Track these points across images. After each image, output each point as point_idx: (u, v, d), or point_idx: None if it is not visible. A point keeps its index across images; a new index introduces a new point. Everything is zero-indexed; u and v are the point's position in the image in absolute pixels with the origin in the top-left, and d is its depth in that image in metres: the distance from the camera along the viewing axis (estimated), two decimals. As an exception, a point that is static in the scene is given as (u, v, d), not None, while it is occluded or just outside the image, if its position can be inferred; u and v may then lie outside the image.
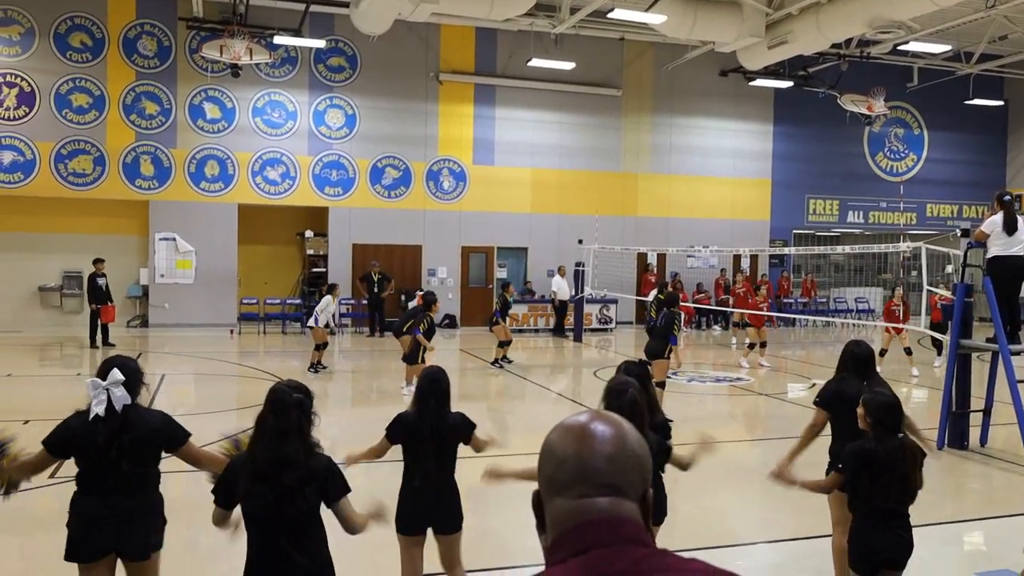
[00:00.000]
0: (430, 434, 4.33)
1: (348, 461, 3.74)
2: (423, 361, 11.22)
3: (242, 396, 12.38)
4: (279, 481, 3.34)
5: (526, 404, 12.83)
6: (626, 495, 1.34)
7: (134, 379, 3.86)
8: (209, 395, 12.65)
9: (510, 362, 15.37)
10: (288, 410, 3.40)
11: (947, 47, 21.58)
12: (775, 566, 6.00)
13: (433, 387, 4.42)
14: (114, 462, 3.72)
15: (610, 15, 18.10)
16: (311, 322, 14.17)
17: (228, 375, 14.38)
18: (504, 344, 15.40)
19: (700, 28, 18.53)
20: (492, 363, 15.31)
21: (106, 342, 17.01)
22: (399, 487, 4.44)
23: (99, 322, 17.02)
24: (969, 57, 23.14)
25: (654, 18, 17.86)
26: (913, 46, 20.99)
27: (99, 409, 3.73)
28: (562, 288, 21.08)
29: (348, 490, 3.54)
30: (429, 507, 4.35)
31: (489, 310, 19.21)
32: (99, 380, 3.77)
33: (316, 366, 13.95)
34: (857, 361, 5.03)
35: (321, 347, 14.03)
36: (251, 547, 3.44)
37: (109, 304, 17.34)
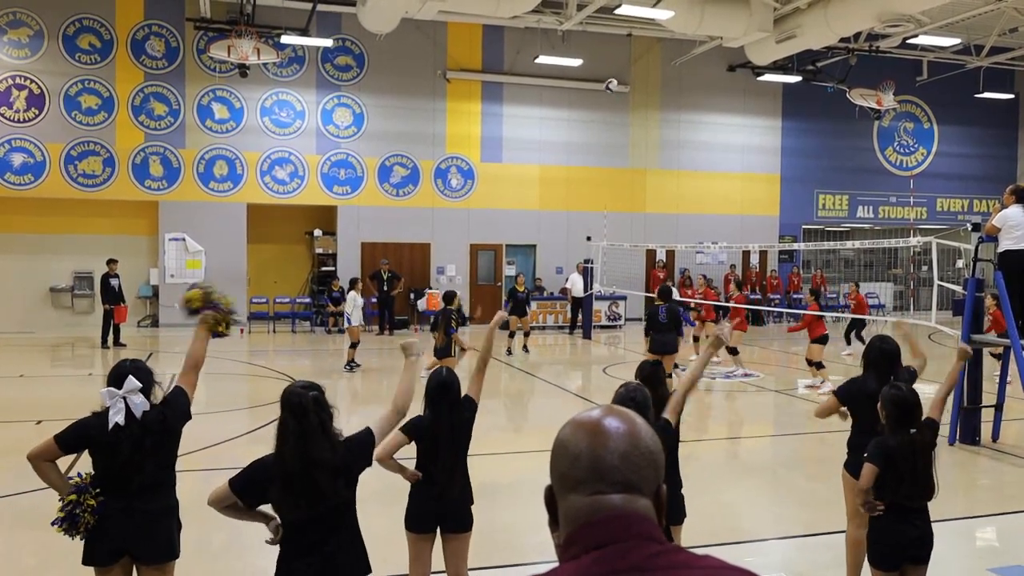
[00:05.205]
0: (447, 434, 4.34)
1: None
2: (454, 355, 11.41)
3: (253, 395, 12.43)
4: (311, 481, 3.32)
5: (535, 400, 12.84)
6: (640, 491, 1.33)
7: (148, 381, 3.84)
8: (220, 394, 12.68)
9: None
10: (307, 412, 3.36)
11: (956, 40, 21.44)
12: (787, 561, 5.98)
13: (444, 394, 4.41)
14: (138, 466, 3.70)
15: (617, 11, 18.04)
16: (345, 323, 14.51)
17: (239, 374, 14.42)
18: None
19: (707, 23, 18.47)
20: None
21: (117, 342, 17.08)
22: (409, 485, 4.44)
23: (112, 322, 17.11)
24: (979, 50, 22.99)
25: (661, 13, 17.80)
26: (922, 40, 20.88)
27: (118, 418, 3.68)
28: (576, 285, 20.87)
29: (370, 463, 3.59)
30: (441, 505, 4.34)
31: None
32: (115, 389, 3.71)
33: (351, 364, 14.18)
34: (883, 356, 4.96)
35: (355, 345, 14.21)
36: (288, 544, 3.43)
37: (122, 304, 17.43)
